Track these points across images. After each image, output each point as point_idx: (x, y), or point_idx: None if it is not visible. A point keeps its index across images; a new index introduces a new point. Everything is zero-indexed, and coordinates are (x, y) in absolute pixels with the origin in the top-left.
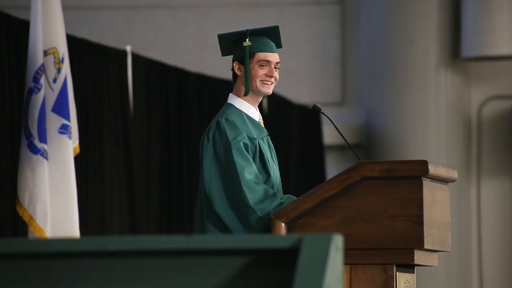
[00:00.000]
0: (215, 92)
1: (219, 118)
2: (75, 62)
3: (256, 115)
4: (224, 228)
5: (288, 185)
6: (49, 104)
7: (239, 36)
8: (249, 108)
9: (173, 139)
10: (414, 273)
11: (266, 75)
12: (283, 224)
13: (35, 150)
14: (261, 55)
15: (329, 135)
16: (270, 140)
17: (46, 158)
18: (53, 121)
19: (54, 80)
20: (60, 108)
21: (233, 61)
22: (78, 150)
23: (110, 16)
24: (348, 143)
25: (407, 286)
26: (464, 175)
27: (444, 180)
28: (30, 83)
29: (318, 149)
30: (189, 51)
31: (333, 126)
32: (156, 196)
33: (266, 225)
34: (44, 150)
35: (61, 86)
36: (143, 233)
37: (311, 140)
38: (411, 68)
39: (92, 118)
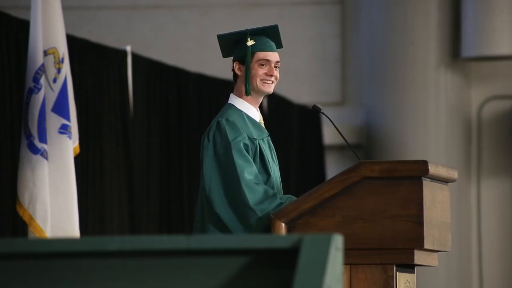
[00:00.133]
0: (215, 92)
1: (220, 118)
2: (75, 62)
3: (256, 115)
4: (224, 229)
5: (288, 185)
6: (49, 104)
7: (239, 36)
8: (249, 109)
9: (173, 139)
10: (414, 273)
11: (266, 74)
12: (283, 224)
13: (35, 150)
14: (261, 55)
15: (329, 135)
16: (270, 141)
17: (46, 158)
18: (53, 121)
19: (54, 80)
20: (60, 108)
21: (233, 61)
22: (78, 150)
23: (110, 16)
24: (348, 143)
25: (407, 286)
26: (464, 175)
27: (444, 180)
28: (30, 83)
29: (318, 149)
30: (189, 51)
31: (333, 126)
32: (156, 196)
33: (266, 225)
34: (44, 150)
35: (61, 86)
36: (143, 233)
37: (311, 140)
38: (411, 68)
39: (92, 118)
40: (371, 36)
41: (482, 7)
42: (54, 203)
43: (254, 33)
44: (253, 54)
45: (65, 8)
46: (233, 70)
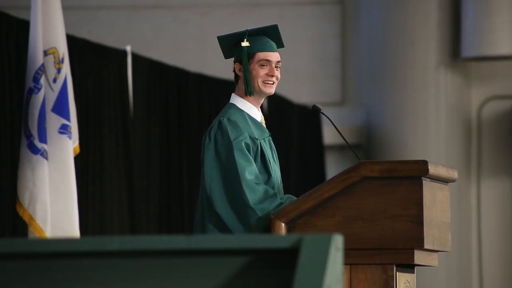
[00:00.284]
0: (215, 92)
1: (221, 118)
2: (75, 62)
3: (258, 115)
4: (224, 228)
5: (288, 185)
6: (49, 104)
7: (239, 37)
8: (251, 109)
9: (173, 139)
10: (414, 273)
11: (267, 74)
12: (283, 224)
13: (35, 150)
14: (261, 55)
15: (329, 135)
16: (271, 141)
17: (46, 158)
18: (53, 121)
19: (54, 80)
20: (60, 108)
21: (234, 62)
22: (78, 150)
23: (110, 16)
24: (348, 143)
25: (407, 286)
26: (464, 175)
27: (444, 180)
28: (30, 83)
29: (318, 149)
30: (189, 51)
31: (333, 126)
32: (156, 196)
33: (266, 225)
34: (44, 150)
35: (61, 86)
36: (143, 233)
37: (311, 140)
38: (411, 68)
39: (92, 118)
40: (371, 36)
41: (482, 7)
42: (54, 203)
43: (253, 33)
44: (253, 54)
45: (65, 8)
46: (234, 71)
